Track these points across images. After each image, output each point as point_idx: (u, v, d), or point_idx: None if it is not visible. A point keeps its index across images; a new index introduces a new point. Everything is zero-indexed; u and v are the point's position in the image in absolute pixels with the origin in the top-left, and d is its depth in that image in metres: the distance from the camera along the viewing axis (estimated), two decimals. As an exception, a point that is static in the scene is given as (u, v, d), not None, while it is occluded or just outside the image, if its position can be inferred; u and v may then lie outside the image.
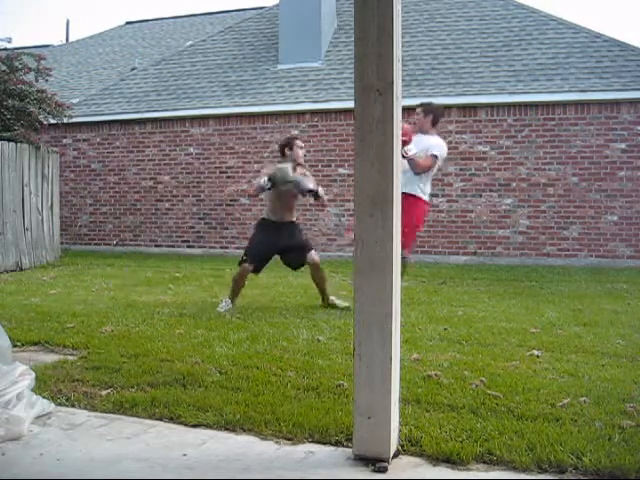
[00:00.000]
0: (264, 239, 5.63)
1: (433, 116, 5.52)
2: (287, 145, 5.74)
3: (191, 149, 11.49)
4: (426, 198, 5.65)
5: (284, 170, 5.36)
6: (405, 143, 5.06)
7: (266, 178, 5.35)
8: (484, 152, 9.94)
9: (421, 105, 5.75)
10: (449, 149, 10.01)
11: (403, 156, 5.11)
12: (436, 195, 10.13)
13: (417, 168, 5.34)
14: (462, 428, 2.67)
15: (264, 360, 3.74)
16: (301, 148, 5.73)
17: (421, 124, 5.53)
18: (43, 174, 9.41)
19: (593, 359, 3.82)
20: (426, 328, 4.70)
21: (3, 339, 2.91)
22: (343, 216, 10.57)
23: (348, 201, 10.37)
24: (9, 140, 8.78)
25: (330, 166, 10.62)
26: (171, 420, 2.84)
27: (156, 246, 11.72)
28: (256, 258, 5.57)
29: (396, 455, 2.45)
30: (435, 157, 5.42)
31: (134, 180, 11.90)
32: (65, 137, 12.31)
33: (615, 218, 9.36)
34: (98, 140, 12.17)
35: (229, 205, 11.27)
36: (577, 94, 9.50)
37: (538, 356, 3.88)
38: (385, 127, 2.37)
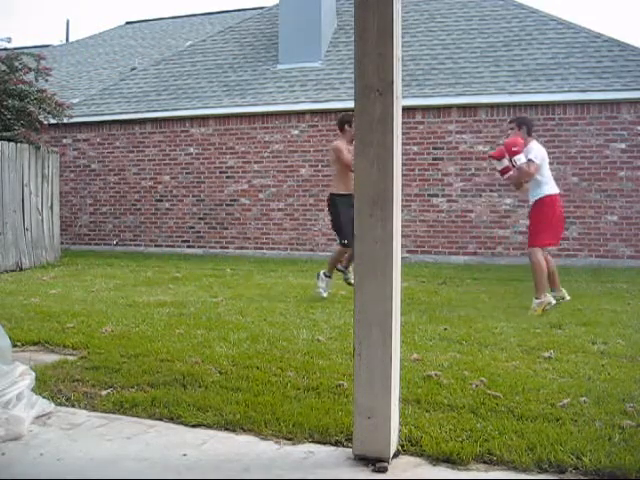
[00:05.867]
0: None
1: (527, 126, 5.79)
2: (348, 121, 6.16)
3: (191, 149, 11.49)
4: (544, 193, 5.65)
5: None
6: (516, 153, 5.51)
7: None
8: (484, 152, 9.93)
9: (511, 121, 6.16)
10: (449, 149, 10.11)
11: (513, 165, 5.63)
12: (436, 195, 10.14)
13: (525, 176, 5.63)
14: (462, 428, 2.67)
15: (264, 360, 3.74)
16: None
17: (518, 136, 5.74)
18: (43, 174, 9.41)
19: (593, 359, 3.82)
20: (426, 328, 4.70)
21: (3, 339, 2.91)
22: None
23: (348, 201, 10.36)
24: (9, 140, 8.78)
25: (330, 166, 10.60)
26: (171, 420, 2.84)
27: (156, 246, 11.72)
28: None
29: (396, 455, 2.45)
30: (530, 160, 5.53)
31: (134, 180, 11.89)
32: (65, 137, 12.31)
33: (615, 218, 9.36)
34: (98, 140, 12.17)
35: (229, 205, 11.27)
36: (577, 94, 9.49)
37: (538, 356, 3.88)
38: (385, 127, 2.36)
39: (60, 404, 3.02)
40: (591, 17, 44.52)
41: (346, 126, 6.23)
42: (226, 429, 2.74)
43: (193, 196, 11.49)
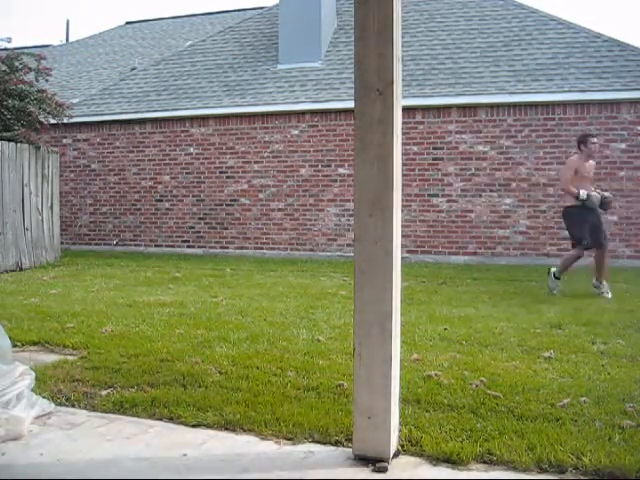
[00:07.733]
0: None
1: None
2: (583, 142, 6.75)
3: (191, 149, 11.49)
4: None
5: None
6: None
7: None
8: (484, 152, 9.94)
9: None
10: (449, 149, 10.11)
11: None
12: (436, 195, 10.14)
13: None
14: (462, 428, 2.67)
15: (264, 360, 3.74)
16: (594, 144, 6.78)
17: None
18: (43, 174, 9.41)
19: (593, 359, 3.82)
20: (426, 328, 4.70)
21: (3, 339, 2.91)
22: (343, 216, 10.57)
23: (348, 201, 10.37)
24: (9, 140, 8.78)
25: (330, 166, 10.62)
26: (171, 420, 2.84)
27: (156, 246, 11.72)
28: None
29: (396, 455, 2.45)
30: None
31: (134, 180, 11.89)
32: (65, 137, 12.31)
33: (615, 218, 9.35)
34: (98, 140, 12.17)
35: (229, 205, 11.27)
36: (577, 94, 9.50)
37: (538, 356, 3.88)
38: (385, 127, 2.36)
39: (60, 404, 3.02)
40: (591, 17, 44.55)
41: (582, 146, 6.74)
42: (226, 429, 2.74)
43: (193, 196, 11.49)
